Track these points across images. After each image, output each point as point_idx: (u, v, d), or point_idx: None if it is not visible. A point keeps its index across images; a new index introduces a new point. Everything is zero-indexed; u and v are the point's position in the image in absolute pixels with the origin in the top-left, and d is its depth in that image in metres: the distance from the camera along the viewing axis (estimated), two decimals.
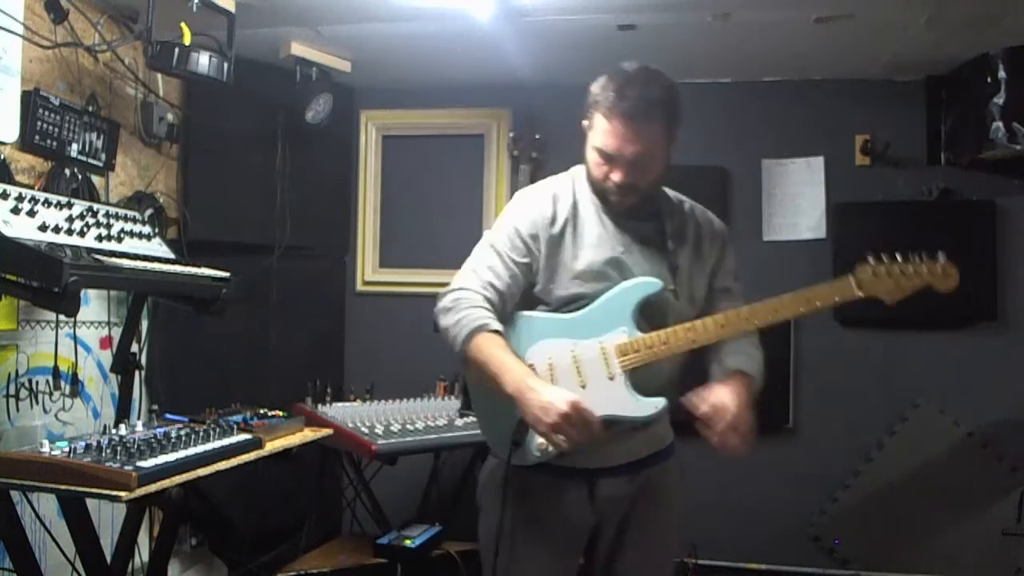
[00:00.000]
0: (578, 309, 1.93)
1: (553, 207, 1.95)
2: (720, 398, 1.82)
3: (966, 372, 3.67)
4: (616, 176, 1.88)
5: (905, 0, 2.89)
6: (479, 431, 3.22)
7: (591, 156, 1.92)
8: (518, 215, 1.97)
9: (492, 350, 1.83)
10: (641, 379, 1.89)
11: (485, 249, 1.98)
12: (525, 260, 1.94)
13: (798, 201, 3.85)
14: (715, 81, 3.87)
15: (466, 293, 1.90)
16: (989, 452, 3.67)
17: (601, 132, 1.87)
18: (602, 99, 1.86)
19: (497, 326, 1.86)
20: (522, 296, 1.97)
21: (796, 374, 3.82)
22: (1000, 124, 3.28)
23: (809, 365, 3.82)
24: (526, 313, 1.96)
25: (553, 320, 1.93)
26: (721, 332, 1.87)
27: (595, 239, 1.94)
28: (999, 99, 3.29)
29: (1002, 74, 3.29)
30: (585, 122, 1.93)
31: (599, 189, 1.95)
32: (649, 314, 1.91)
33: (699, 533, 3.41)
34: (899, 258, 1.81)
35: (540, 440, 1.88)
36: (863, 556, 3.74)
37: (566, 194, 1.97)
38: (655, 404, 1.89)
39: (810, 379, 3.82)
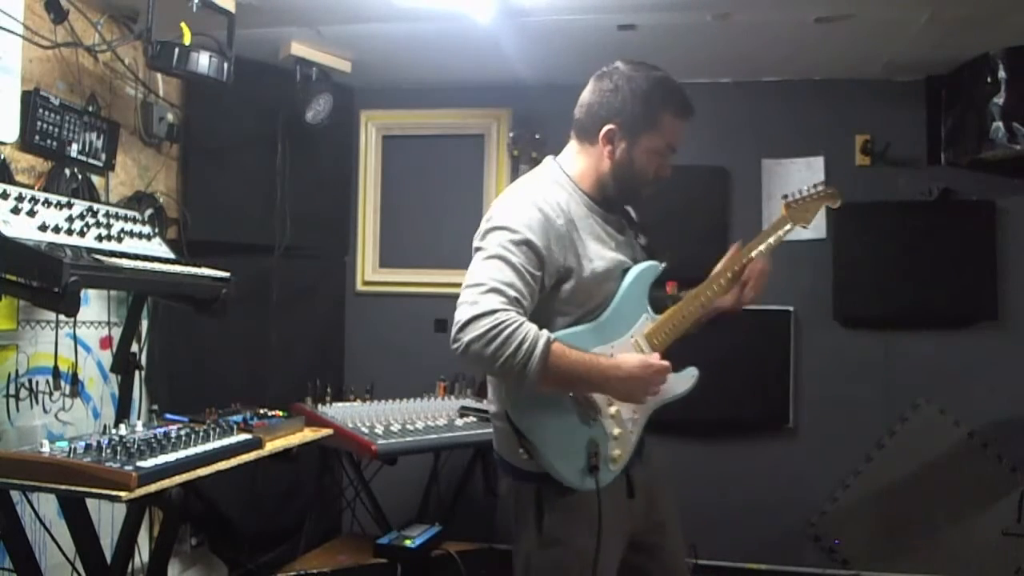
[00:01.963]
0: (601, 312, 1.92)
1: (557, 213, 1.87)
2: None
3: (966, 372, 3.67)
4: (668, 169, 1.98)
5: (905, 0, 2.89)
6: (477, 431, 3.28)
7: (647, 156, 1.94)
8: (527, 226, 1.83)
9: (571, 356, 1.77)
10: None
11: (496, 264, 1.80)
12: (539, 273, 1.84)
13: None
14: (715, 81, 3.87)
15: (503, 315, 1.72)
16: (989, 452, 3.67)
17: (675, 132, 1.95)
18: (673, 101, 1.94)
19: (553, 335, 1.77)
20: (540, 310, 1.87)
21: (796, 374, 3.82)
22: (1000, 124, 3.28)
23: (809, 365, 3.82)
24: (559, 333, 1.84)
25: (585, 331, 1.90)
26: (718, 290, 2.03)
27: (600, 240, 1.95)
28: (999, 99, 3.29)
29: (1002, 74, 3.28)
30: (613, 127, 1.92)
31: (637, 185, 1.97)
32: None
33: (699, 533, 3.41)
34: (802, 191, 2.16)
35: (614, 453, 1.89)
36: (863, 556, 3.73)
37: (560, 200, 1.91)
38: (691, 374, 2.00)
39: (810, 379, 3.82)
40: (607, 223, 1.98)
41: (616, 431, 1.89)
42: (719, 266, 2.07)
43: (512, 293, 1.76)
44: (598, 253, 1.91)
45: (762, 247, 2.07)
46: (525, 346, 1.70)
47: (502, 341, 1.70)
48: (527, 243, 1.81)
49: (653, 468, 2.08)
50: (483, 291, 1.75)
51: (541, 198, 1.88)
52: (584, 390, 1.86)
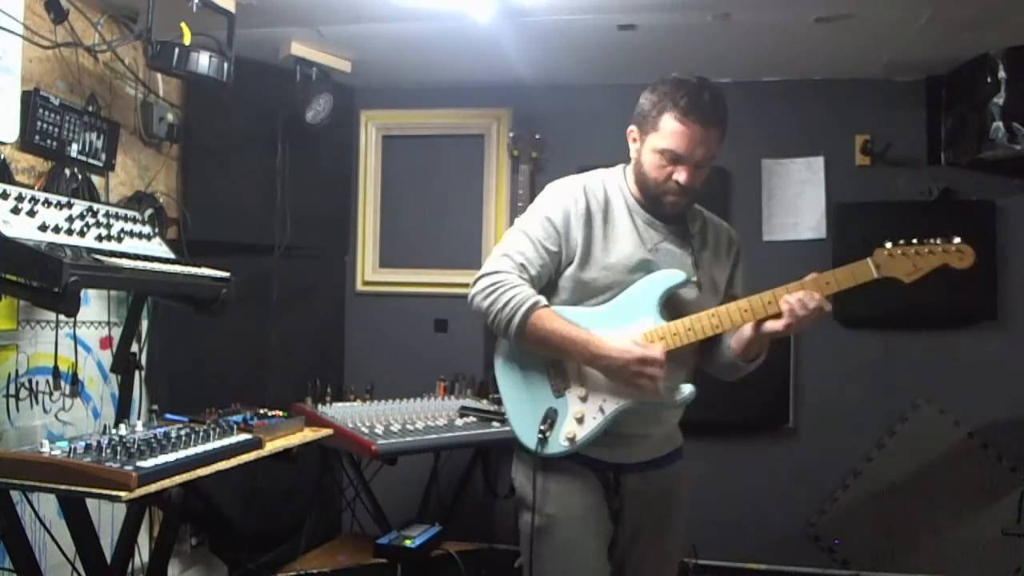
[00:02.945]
0: (605, 301, 1.99)
1: (586, 200, 2.01)
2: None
3: (966, 372, 3.67)
4: (681, 177, 1.95)
5: (905, 0, 2.89)
6: (477, 431, 3.28)
7: (652, 158, 1.97)
8: (551, 205, 2.02)
9: (552, 324, 1.91)
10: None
11: (516, 235, 2.02)
12: (556, 249, 1.99)
13: (798, 201, 3.85)
14: (715, 81, 3.85)
15: (504, 276, 1.95)
16: (989, 452, 3.67)
17: (673, 134, 1.93)
18: (674, 103, 1.93)
19: (546, 302, 1.94)
20: (549, 284, 2.03)
21: (796, 374, 3.82)
22: (1000, 124, 3.28)
23: (809, 365, 3.82)
24: (555, 308, 1.97)
25: (581, 312, 1.97)
26: (744, 317, 1.94)
27: (626, 235, 2.00)
28: (999, 99, 3.29)
29: (1002, 74, 3.28)
30: (633, 127, 2.03)
31: (655, 191, 1.99)
32: (674, 308, 1.98)
33: (699, 533, 3.41)
34: (915, 241, 1.90)
35: (567, 430, 1.95)
36: (863, 556, 3.73)
37: (597, 190, 2.04)
38: (683, 390, 1.97)
39: (810, 379, 3.82)
40: (651, 226, 2.03)
41: (576, 410, 1.95)
42: (773, 291, 1.92)
43: (519, 259, 1.97)
44: (617, 244, 1.98)
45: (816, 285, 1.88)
46: (512, 304, 1.90)
47: (495, 297, 1.92)
48: (548, 219, 2.00)
49: (662, 486, 2.08)
50: (498, 255, 2.00)
51: (575, 184, 2.05)
52: (563, 355, 1.95)
